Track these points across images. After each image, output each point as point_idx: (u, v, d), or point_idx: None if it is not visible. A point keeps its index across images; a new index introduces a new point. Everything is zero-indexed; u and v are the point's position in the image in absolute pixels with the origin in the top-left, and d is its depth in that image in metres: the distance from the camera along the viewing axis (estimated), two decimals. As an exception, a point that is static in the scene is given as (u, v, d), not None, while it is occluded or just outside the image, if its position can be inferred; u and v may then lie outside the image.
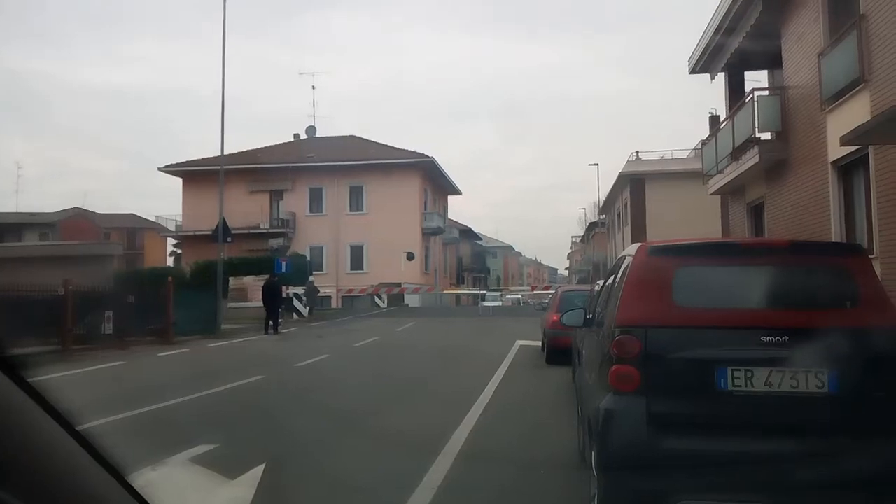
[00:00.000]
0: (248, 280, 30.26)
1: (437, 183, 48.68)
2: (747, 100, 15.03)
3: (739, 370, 3.61)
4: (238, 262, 27.76)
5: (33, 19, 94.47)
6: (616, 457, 3.68)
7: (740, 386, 3.61)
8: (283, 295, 24.82)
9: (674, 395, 3.69)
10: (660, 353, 3.71)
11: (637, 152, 39.29)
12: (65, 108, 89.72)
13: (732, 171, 16.24)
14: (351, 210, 43.82)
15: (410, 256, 41.49)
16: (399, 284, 38.61)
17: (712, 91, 50.23)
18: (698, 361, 3.68)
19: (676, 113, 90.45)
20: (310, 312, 29.15)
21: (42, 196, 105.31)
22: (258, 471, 5.23)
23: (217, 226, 22.64)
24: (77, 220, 53.53)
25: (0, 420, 0.49)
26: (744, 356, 3.64)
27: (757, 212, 16.80)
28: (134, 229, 60.52)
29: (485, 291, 48.47)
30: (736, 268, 4.14)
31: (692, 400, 3.68)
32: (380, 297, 37.85)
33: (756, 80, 17.83)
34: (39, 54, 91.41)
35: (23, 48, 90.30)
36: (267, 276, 24.04)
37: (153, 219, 54.11)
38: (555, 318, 11.52)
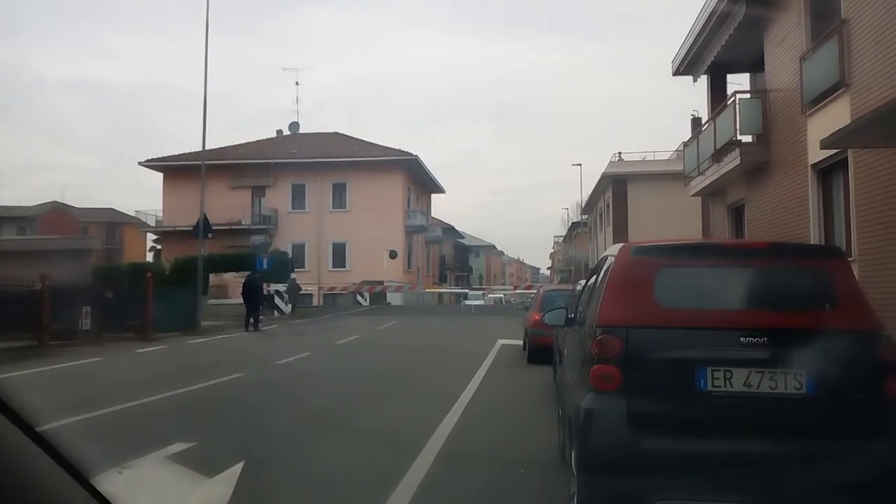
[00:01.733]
0: (229, 277, 30.05)
1: (420, 181, 48.64)
2: (729, 102, 15.15)
3: (719, 371, 3.62)
4: (219, 259, 27.52)
5: (12, 13, 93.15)
6: (596, 456, 3.68)
7: (720, 386, 3.62)
8: (265, 292, 24.66)
9: (654, 395, 3.69)
10: (641, 353, 3.71)
11: (620, 153, 39.56)
12: (43, 102, 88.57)
13: (713, 173, 16.36)
14: (333, 207, 43.66)
15: (393, 254, 41.44)
16: (381, 282, 38.52)
17: (695, 93, 50.64)
18: (679, 361, 3.69)
19: (659, 114, 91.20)
20: (291, 310, 29.00)
21: (20, 190, 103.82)
22: (236, 469, 5.17)
23: (198, 221, 22.43)
24: (55, 215, 52.86)
25: None
26: (723, 357, 3.66)
27: (737, 213, 16.94)
28: (113, 224, 59.88)
29: (467, 290, 48.57)
30: (717, 269, 4.15)
31: (672, 400, 3.69)
32: (362, 296, 37.74)
33: (738, 82, 17.99)
34: (17, 48, 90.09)
35: (2, 42, 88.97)
36: (248, 273, 23.87)
37: (133, 214, 53.57)
38: (536, 317, 11.53)
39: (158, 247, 45.69)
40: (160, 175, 44.28)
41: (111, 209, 61.26)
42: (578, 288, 10.48)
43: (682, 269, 4.07)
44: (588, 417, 3.71)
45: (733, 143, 14.92)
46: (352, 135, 47.62)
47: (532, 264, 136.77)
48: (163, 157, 43.80)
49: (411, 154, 43.64)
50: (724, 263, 4.20)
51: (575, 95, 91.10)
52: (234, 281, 28.44)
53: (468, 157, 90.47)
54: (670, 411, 3.68)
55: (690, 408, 3.67)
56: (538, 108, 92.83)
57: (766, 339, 3.63)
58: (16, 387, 0.71)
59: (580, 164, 70.20)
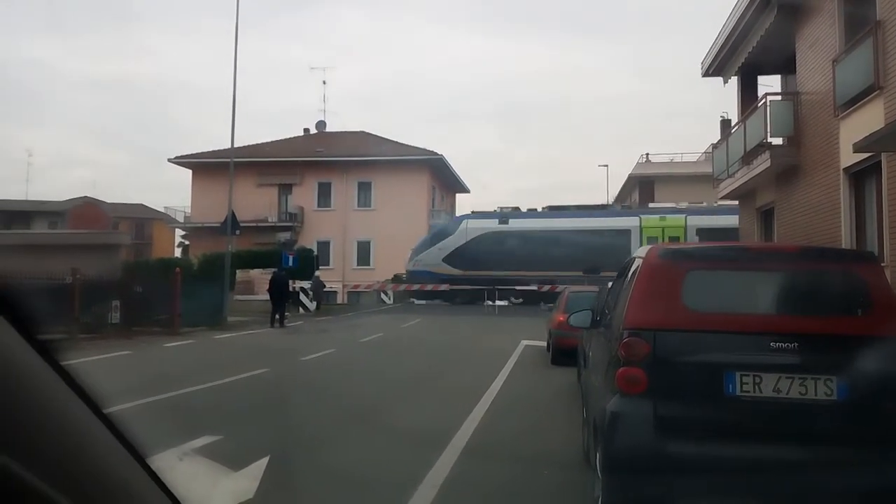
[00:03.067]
0: (255, 273, 30.32)
1: (445, 180, 48.65)
2: (760, 104, 14.96)
3: (748, 375, 3.60)
4: (245, 255, 27.81)
5: (46, 12, 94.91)
6: (621, 459, 3.67)
7: (748, 391, 3.59)
8: (290, 289, 24.86)
9: (681, 399, 3.68)
10: (668, 357, 3.70)
11: (647, 155, 39.29)
12: (74, 98, 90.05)
13: (743, 176, 16.17)
14: (359, 205, 43.84)
15: (417, 253, 41.46)
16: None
17: (724, 95, 50.02)
18: (707, 365, 3.67)
19: (687, 116, 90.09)
20: (316, 307, 29.20)
21: (51, 185, 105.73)
22: (262, 463, 5.24)
23: (226, 218, 22.69)
24: (86, 209, 53.74)
25: (32, 399, 0.50)
26: (753, 361, 3.63)
27: (767, 216, 16.72)
28: (143, 219, 60.74)
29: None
30: (746, 272, 4.12)
31: (699, 404, 3.67)
32: (385, 294, 37.86)
33: (769, 84, 17.76)
34: (50, 46, 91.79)
35: (35, 40, 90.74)
36: (274, 270, 24.08)
37: (162, 209, 54.30)
38: (561, 318, 11.49)
39: (187, 242, 46.26)
40: (189, 172, 44.81)
41: (141, 205, 62.14)
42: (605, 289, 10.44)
43: (710, 272, 4.04)
44: (614, 420, 3.70)
45: (763, 146, 14.74)
46: (377, 133, 47.82)
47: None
48: (192, 154, 44.33)
49: (436, 153, 43.67)
50: (753, 267, 4.17)
51: (601, 96, 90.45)
52: (261, 277, 28.70)
53: (491, 157, 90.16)
54: (697, 415, 3.66)
55: (718, 412, 3.65)
56: (563, 107, 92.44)
57: (796, 344, 3.60)
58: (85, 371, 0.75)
59: (606, 166, 69.75)
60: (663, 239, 28.43)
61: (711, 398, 3.64)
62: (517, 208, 33.82)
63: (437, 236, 33.32)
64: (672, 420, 3.63)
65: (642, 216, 30.88)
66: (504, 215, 32.49)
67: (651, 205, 33.46)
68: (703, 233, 27.68)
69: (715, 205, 29.11)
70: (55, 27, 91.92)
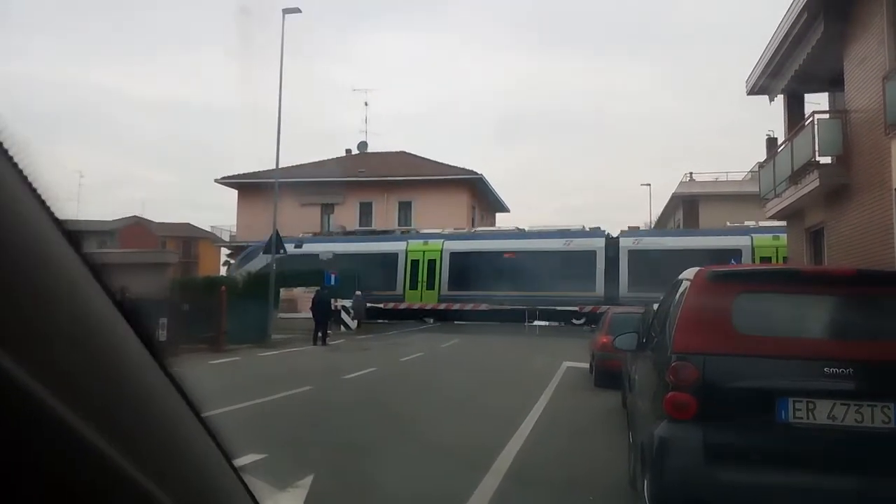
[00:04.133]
0: (298, 291, 30.68)
1: (485, 200, 48.72)
2: (807, 123, 14.69)
3: (801, 401, 3.52)
4: (289, 274, 28.19)
5: (101, 36, 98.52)
6: (671, 487, 3.62)
7: (802, 418, 3.52)
8: (332, 307, 25.11)
9: (732, 425, 3.61)
10: (718, 382, 3.64)
11: (691, 173, 38.76)
12: (124, 119, 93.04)
13: (791, 195, 15.86)
14: (399, 225, 44.14)
15: (457, 273, 41.46)
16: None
17: (770, 113, 49.22)
18: (758, 391, 3.61)
19: (731, 135, 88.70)
20: (357, 325, 29.40)
21: (103, 205, 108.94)
22: (307, 482, 5.29)
23: (270, 238, 23.08)
24: (135, 229, 55.17)
25: (142, 400, 0.53)
26: (806, 387, 3.56)
27: (816, 237, 16.34)
28: (189, 238, 62.06)
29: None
30: (799, 296, 4.04)
31: (751, 431, 3.60)
32: (426, 313, 37.88)
33: (816, 102, 17.44)
34: (103, 70, 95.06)
35: (92, 64, 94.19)
36: (317, 289, 24.37)
37: (208, 229, 55.44)
38: (604, 339, 11.37)
39: (232, 261, 47.11)
40: (234, 192, 45.75)
41: (188, 224, 63.52)
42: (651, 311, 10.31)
43: (761, 296, 3.98)
44: (662, 446, 3.65)
45: (811, 165, 14.44)
46: (418, 153, 48.19)
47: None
48: (237, 175, 45.26)
49: (476, 172, 43.80)
50: (806, 290, 4.09)
51: (643, 114, 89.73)
52: (304, 296, 29.03)
53: (530, 176, 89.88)
54: (749, 442, 3.59)
55: (770, 439, 3.57)
56: (605, 126, 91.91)
57: (852, 370, 3.51)
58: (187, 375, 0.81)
59: (649, 184, 69.06)
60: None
61: (763, 425, 3.57)
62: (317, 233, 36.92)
63: (243, 259, 34.10)
64: (722, 447, 3.57)
65: (409, 241, 33.57)
66: (300, 240, 33.07)
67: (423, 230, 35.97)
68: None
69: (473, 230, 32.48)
70: (110, 52, 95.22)
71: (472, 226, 44.95)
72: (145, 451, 0.47)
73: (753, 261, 25.76)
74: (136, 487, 0.43)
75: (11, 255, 0.35)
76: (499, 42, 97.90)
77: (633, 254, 28.89)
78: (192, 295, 22.62)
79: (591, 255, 29.59)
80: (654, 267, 27.63)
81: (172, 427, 0.59)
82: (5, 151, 0.37)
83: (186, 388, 0.69)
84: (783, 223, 29.05)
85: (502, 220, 53.00)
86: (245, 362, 16.47)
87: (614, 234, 30.75)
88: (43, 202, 0.39)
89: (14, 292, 0.34)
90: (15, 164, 0.37)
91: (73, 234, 0.45)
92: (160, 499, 0.48)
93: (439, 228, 35.03)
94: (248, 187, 43.34)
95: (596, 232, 31.39)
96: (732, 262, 24.84)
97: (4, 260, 0.34)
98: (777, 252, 26.70)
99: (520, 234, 32.77)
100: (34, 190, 0.38)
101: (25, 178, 0.37)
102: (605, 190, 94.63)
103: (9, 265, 0.34)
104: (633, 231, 31.16)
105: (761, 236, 27.33)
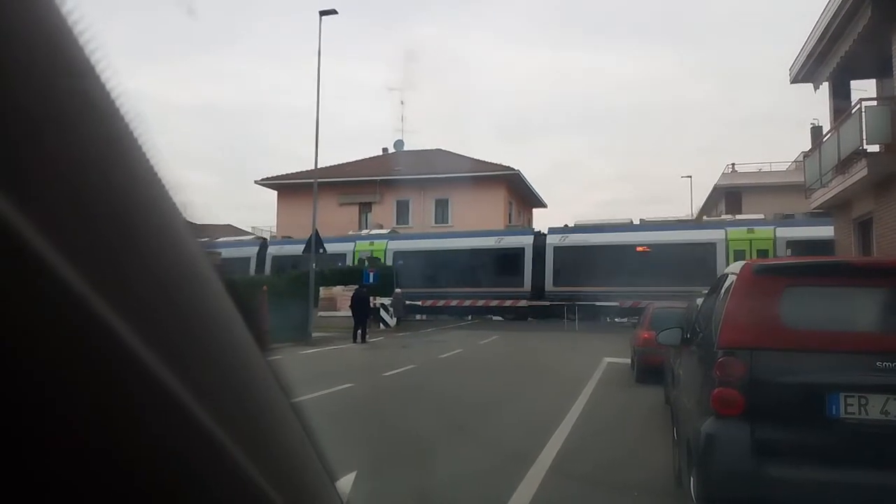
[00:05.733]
0: (337, 290, 30.99)
1: (521, 195, 48.52)
2: (853, 110, 14.29)
3: (853, 396, 3.44)
4: (328, 273, 28.48)
5: (141, 42, 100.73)
6: (718, 483, 3.56)
7: (853, 413, 3.43)
8: (371, 305, 25.29)
9: (780, 421, 3.54)
10: (766, 377, 3.57)
11: (733, 164, 38.03)
12: (166, 123, 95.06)
13: (837, 185, 15.45)
14: (436, 222, 44.21)
15: (495, 269, 41.39)
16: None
17: (814, 101, 47.96)
18: (808, 386, 3.53)
19: (774, 124, 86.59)
20: (396, 323, 29.57)
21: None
22: (349, 478, 5.33)
23: (310, 237, 23.34)
24: (178, 230, 56.10)
25: (247, 386, 0.54)
26: (858, 382, 3.47)
27: (864, 228, 15.89)
28: (231, 239, 63.01)
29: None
30: (849, 288, 3.93)
31: (800, 426, 3.53)
32: (464, 309, 37.93)
33: (862, 89, 16.94)
34: (146, 76, 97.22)
35: (132, 69, 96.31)
36: (356, 287, 24.56)
37: (249, 230, 56.26)
38: (646, 335, 11.25)
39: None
40: (274, 193, 46.39)
41: (229, 225, 64.51)
42: (694, 306, 10.16)
43: (810, 289, 3.88)
44: (709, 442, 3.60)
45: (859, 154, 14.05)
46: (454, 150, 48.23)
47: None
48: (277, 176, 45.89)
49: (513, 168, 43.64)
50: (856, 283, 3.98)
51: (682, 105, 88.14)
52: (343, 294, 29.31)
53: (566, 170, 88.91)
54: (798, 438, 3.51)
55: (821, 435, 3.49)
56: (640, 118, 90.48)
57: (906, 364, 3.41)
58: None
59: (690, 176, 67.95)
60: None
61: (813, 420, 3.49)
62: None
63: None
64: (771, 443, 3.50)
65: (357, 241, 35.11)
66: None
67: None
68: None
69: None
70: (150, 56, 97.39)
71: (509, 221, 44.88)
72: (247, 433, 0.48)
73: (728, 256, 25.36)
74: (239, 471, 0.44)
75: (151, 242, 0.37)
76: (532, 37, 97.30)
77: (558, 250, 30.28)
78: (233, 294, 22.91)
79: (520, 251, 31.25)
80: (580, 263, 28.24)
81: (270, 411, 0.61)
82: (141, 146, 0.39)
83: (282, 375, 0.72)
84: (760, 215, 28.47)
85: (539, 216, 52.82)
86: (287, 360, 16.68)
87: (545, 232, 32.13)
88: (169, 191, 0.41)
89: (154, 278, 0.36)
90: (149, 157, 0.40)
91: (192, 223, 0.47)
92: (265, 488, 0.48)
93: (386, 229, 37.74)
94: (288, 188, 43.92)
95: (526, 230, 33.80)
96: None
97: (148, 248, 0.36)
98: (751, 245, 26.32)
99: (458, 233, 34.97)
100: (163, 179, 0.41)
101: (155, 167, 0.39)
102: (644, 183, 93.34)
103: (150, 252, 0.36)
104: (562, 228, 32.18)
105: (736, 230, 27.07)
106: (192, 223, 0.46)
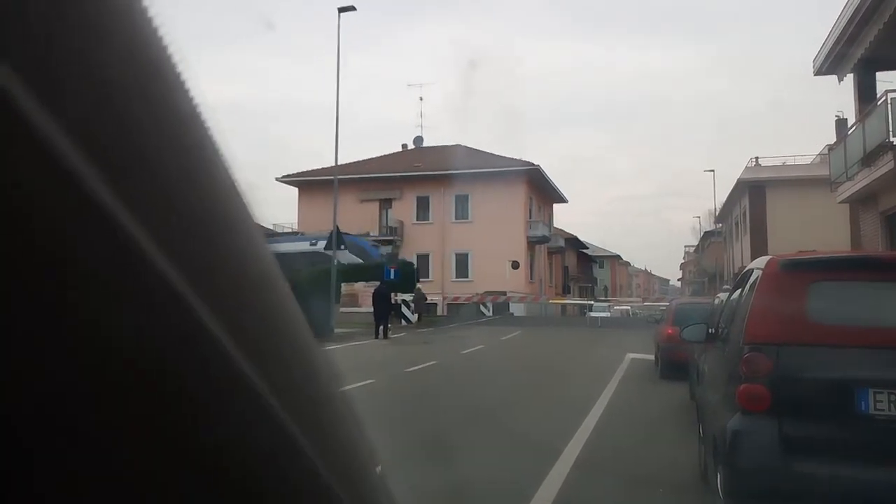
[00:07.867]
0: (359, 286, 31.16)
1: (542, 191, 48.38)
2: (879, 102, 14.07)
3: (882, 392, 3.41)
4: (350, 269, 28.66)
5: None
6: (746, 481, 3.56)
7: (883, 409, 3.41)
8: (392, 301, 25.40)
9: (808, 417, 3.52)
10: (793, 372, 3.56)
11: (756, 158, 37.58)
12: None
13: (864, 178, 15.23)
14: (456, 218, 44.23)
15: (515, 265, 41.39)
16: (504, 293, 38.57)
17: (838, 93, 47.30)
18: (836, 382, 3.51)
19: (798, 117, 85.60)
20: (417, 319, 29.66)
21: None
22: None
23: (331, 234, 23.48)
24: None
25: (311, 376, 0.57)
26: (888, 377, 3.44)
27: (891, 222, 15.66)
28: (252, 236, 63.50)
29: (592, 301, 47.53)
30: (877, 283, 3.90)
31: (829, 423, 3.51)
32: (485, 306, 37.94)
33: (888, 80, 16.66)
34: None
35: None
36: (377, 283, 24.68)
37: (271, 226, 56.68)
38: (669, 331, 11.21)
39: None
40: (295, 189, 46.67)
41: (250, 222, 65.09)
42: (717, 302, 10.10)
43: (837, 284, 3.86)
44: (736, 439, 3.59)
45: (886, 146, 13.83)
46: (472, 145, 48.16)
47: (660, 275, 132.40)
48: (298, 173, 46.15)
49: (533, 164, 43.51)
50: (885, 278, 3.94)
51: (704, 98, 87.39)
52: (364, 290, 29.47)
53: (586, 165, 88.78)
54: (826, 435, 3.50)
55: (850, 432, 3.47)
56: (661, 112, 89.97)
57: (937, 360, 3.38)
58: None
59: (713, 171, 67.29)
60: None
61: (841, 416, 3.47)
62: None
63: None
64: (798, 439, 3.48)
65: None
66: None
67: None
68: None
69: None
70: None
71: (529, 217, 44.77)
72: (315, 427, 0.50)
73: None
74: (312, 466, 0.46)
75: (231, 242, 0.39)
76: (553, 32, 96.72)
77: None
78: (295, 290, 23.14)
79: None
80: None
81: (327, 401, 0.63)
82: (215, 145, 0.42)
83: (334, 365, 0.74)
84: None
85: (560, 211, 52.61)
86: (310, 356, 16.78)
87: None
88: (243, 193, 0.44)
89: (231, 274, 0.38)
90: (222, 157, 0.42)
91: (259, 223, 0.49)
92: (332, 483, 0.50)
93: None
94: (309, 185, 44.15)
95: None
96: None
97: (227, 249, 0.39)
98: None
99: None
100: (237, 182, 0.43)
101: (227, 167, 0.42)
102: (667, 177, 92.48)
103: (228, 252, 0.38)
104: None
105: None
106: (259, 223, 0.48)
